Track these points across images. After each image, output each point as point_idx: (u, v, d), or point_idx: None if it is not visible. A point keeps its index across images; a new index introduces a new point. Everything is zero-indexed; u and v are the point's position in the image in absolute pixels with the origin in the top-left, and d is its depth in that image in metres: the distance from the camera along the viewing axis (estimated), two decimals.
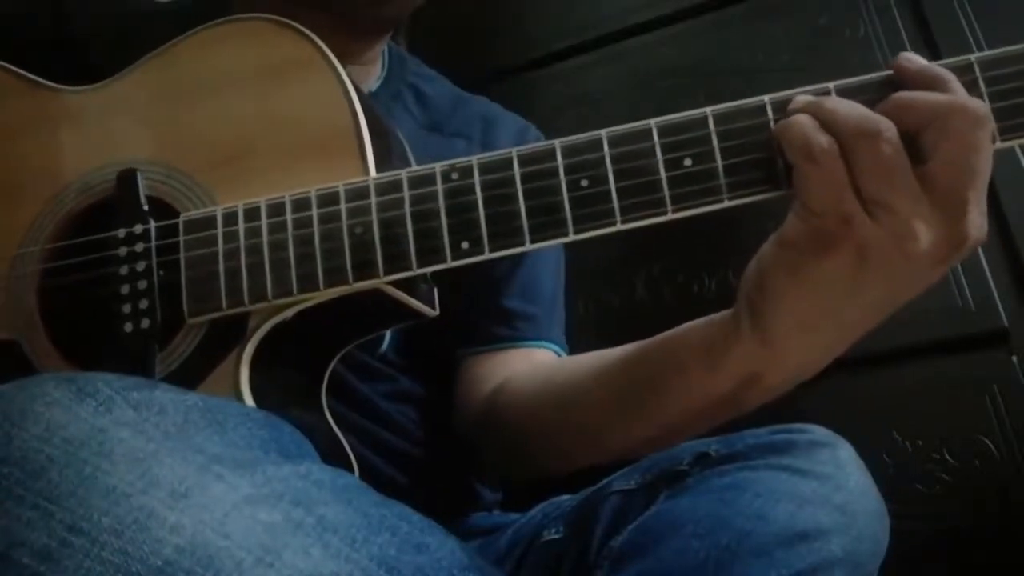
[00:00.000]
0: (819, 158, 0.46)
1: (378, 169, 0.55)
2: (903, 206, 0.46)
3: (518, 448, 0.74)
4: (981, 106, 0.46)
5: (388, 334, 0.71)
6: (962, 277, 0.92)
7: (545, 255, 0.83)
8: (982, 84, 0.48)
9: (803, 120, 0.47)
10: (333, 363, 0.61)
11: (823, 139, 0.46)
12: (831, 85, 0.50)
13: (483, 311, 0.79)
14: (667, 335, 0.61)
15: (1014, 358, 0.89)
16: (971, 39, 0.98)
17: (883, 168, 0.45)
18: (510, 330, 0.78)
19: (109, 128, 0.61)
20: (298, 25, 0.59)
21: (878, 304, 0.50)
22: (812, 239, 0.48)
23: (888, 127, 0.45)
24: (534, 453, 0.73)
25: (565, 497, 0.75)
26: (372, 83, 0.80)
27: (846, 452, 0.61)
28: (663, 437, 0.64)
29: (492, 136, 0.83)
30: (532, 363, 0.77)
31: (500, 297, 0.79)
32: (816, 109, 0.48)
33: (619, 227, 0.50)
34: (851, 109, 0.47)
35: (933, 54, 1.00)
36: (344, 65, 0.58)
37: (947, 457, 0.89)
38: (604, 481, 0.70)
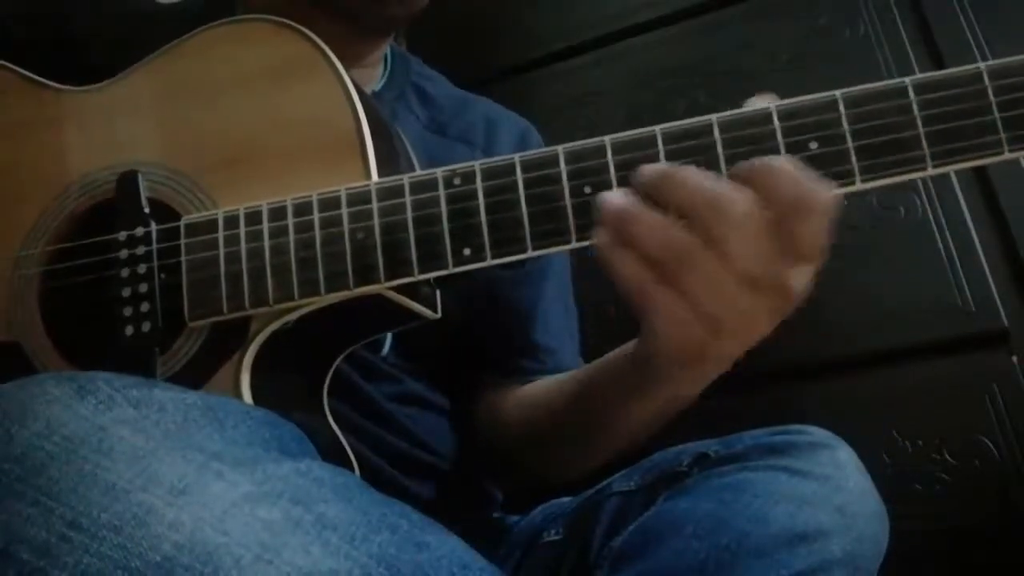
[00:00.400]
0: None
1: (381, 172, 0.55)
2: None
3: (517, 459, 0.78)
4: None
5: (389, 338, 0.71)
6: (962, 277, 0.92)
7: (562, 282, 0.85)
8: (991, 93, 0.47)
9: (625, 264, 0.46)
10: (334, 365, 0.61)
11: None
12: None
13: (511, 345, 0.80)
14: (604, 366, 0.67)
15: (1014, 358, 0.89)
16: (971, 39, 0.98)
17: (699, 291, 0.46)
18: (537, 363, 0.80)
19: (111, 129, 0.61)
20: (300, 26, 0.59)
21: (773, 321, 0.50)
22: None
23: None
24: (528, 465, 0.78)
25: (565, 499, 0.76)
26: (375, 84, 0.80)
27: (845, 453, 0.61)
28: (619, 444, 0.69)
29: (494, 139, 0.83)
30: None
31: (526, 332, 0.80)
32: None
33: None
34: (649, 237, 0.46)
35: (933, 54, 1.00)
36: (347, 67, 0.58)
37: (947, 457, 0.89)
38: (604, 482, 0.70)
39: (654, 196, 0.46)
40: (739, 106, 0.50)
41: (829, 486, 0.57)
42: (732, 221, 0.44)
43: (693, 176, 0.45)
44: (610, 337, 0.71)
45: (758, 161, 0.46)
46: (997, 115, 0.47)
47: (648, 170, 0.47)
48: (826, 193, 0.45)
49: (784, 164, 0.45)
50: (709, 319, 0.46)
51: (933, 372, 0.92)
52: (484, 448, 0.80)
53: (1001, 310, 0.90)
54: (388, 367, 0.73)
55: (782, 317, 0.48)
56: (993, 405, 0.88)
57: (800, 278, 0.46)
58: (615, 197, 0.47)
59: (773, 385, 0.95)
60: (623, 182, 0.50)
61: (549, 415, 0.73)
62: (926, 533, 0.87)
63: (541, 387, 0.78)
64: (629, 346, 0.62)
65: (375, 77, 0.80)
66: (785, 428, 0.63)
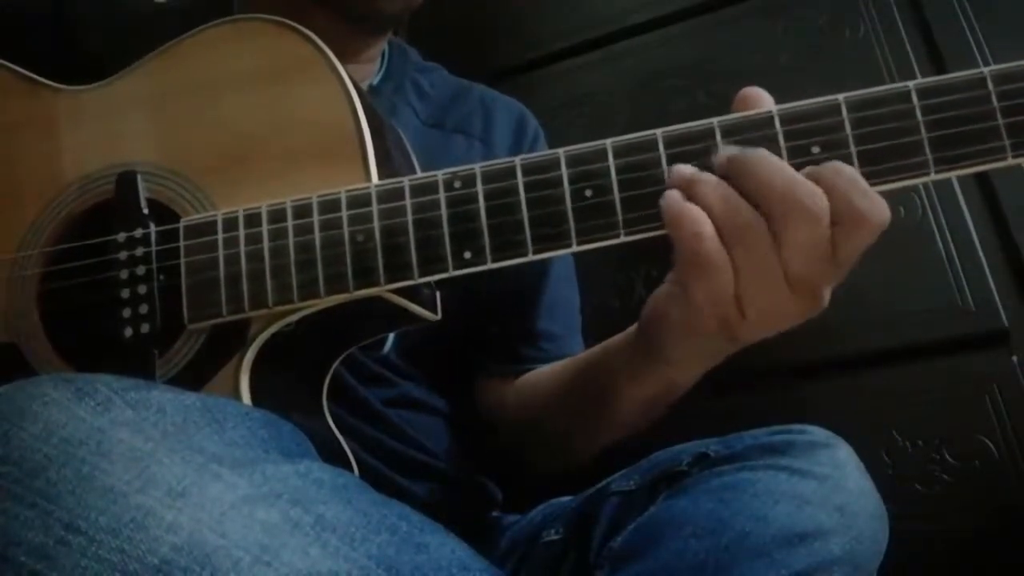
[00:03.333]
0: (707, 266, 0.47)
1: (381, 174, 0.55)
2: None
3: (524, 448, 0.80)
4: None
5: (391, 336, 0.72)
6: (962, 277, 0.92)
7: (565, 270, 0.85)
8: (994, 98, 0.47)
9: (695, 217, 0.47)
10: (334, 367, 0.61)
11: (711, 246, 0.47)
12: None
13: (512, 332, 0.81)
14: (603, 351, 0.70)
15: (1014, 358, 0.89)
16: (971, 39, 0.98)
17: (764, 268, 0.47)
18: (537, 351, 0.81)
19: (109, 129, 0.61)
20: (299, 26, 0.59)
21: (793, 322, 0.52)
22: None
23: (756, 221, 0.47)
24: (535, 451, 0.80)
25: (565, 498, 0.76)
26: (373, 78, 0.80)
27: (845, 452, 0.61)
28: (613, 434, 0.73)
29: (491, 128, 0.84)
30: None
31: (528, 319, 0.81)
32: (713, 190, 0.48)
33: (623, 239, 0.50)
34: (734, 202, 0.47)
35: (933, 55, 0.99)
36: (345, 63, 0.58)
37: (947, 457, 0.88)
38: (603, 482, 0.70)
39: (729, 179, 0.47)
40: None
41: (829, 485, 0.57)
42: (805, 213, 0.45)
43: (772, 161, 0.46)
44: (611, 335, 0.71)
45: (830, 165, 0.46)
46: (1000, 121, 0.47)
47: (723, 155, 0.48)
48: (885, 211, 0.46)
49: (854, 172, 0.46)
50: (744, 302, 0.48)
51: (933, 372, 0.92)
52: (498, 439, 0.81)
53: (1001, 310, 0.90)
54: (385, 370, 0.73)
55: (800, 321, 0.50)
56: (993, 405, 0.88)
57: (829, 288, 0.48)
58: (686, 166, 0.48)
59: (773, 385, 0.95)
60: (624, 186, 0.50)
61: (547, 400, 0.75)
62: (926, 533, 0.87)
63: (540, 374, 0.79)
64: (631, 329, 0.64)
65: (373, 72, 0.81)
66: (785, 428, 0.63)
